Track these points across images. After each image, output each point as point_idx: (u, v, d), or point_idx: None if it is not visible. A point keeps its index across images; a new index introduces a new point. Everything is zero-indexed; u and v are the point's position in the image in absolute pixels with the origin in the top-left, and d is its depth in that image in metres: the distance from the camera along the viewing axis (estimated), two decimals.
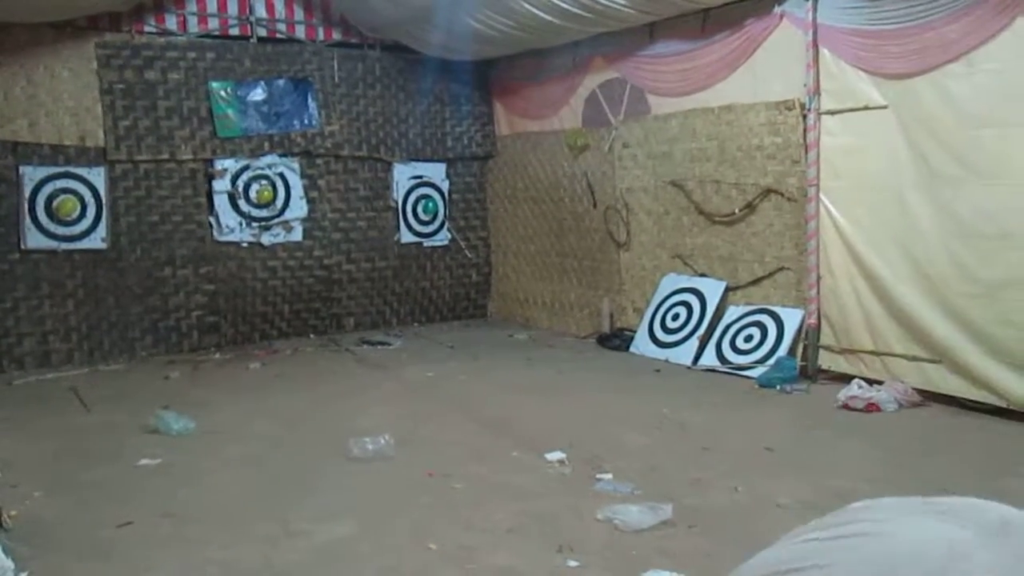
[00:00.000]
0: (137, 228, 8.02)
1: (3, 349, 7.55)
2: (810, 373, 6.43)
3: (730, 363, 6.80)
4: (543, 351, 8.04)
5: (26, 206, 7.54)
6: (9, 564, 3.45)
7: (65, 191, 7.66)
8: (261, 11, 8.51)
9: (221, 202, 8.31)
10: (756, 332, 6.78)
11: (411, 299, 9.47)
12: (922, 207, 5.64)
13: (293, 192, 8.64)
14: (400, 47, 8.95)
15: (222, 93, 8.25)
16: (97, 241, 7.83)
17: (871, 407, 5.57)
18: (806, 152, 6.36)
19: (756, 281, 6.99)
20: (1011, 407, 5.26)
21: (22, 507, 4.23)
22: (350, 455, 4.95)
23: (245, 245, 8.48)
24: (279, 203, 8.58)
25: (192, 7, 8.21)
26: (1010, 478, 4.43)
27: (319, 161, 8.81)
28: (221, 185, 8.30)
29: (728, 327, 7.03)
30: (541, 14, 7.14)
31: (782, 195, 6.65)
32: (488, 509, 4.17)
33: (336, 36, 8.87)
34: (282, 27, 8.64)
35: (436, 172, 9.46)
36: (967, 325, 5.45)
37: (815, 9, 6.12)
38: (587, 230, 8.59)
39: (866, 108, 5.91)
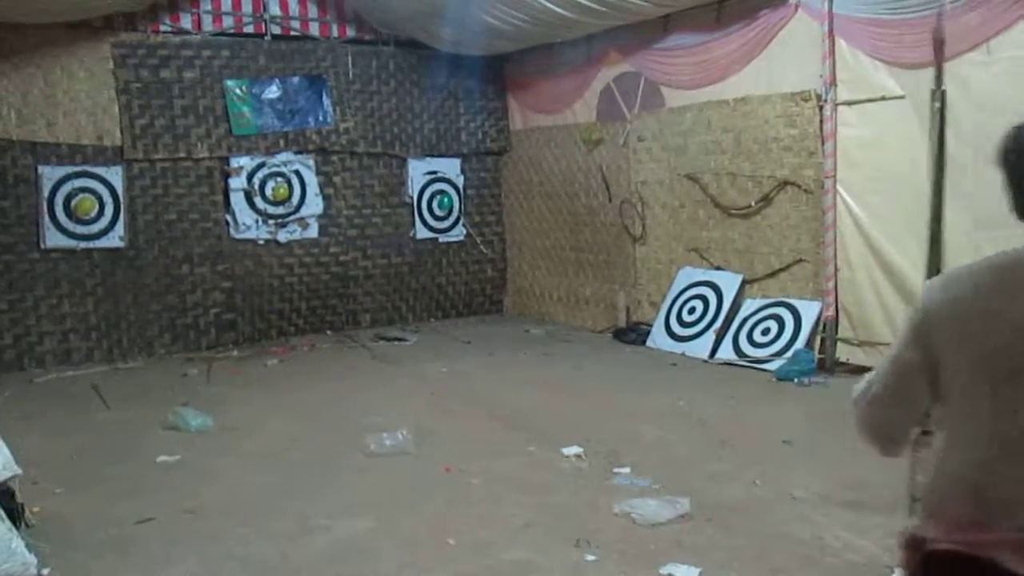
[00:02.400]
0: (154, 226, 8.08)
1: (24, 347, 7.63)
2: (828, 366, 6.39)
3: (747, 356, 6.77)
4: (559, 346, 8.04)
5: (45, 205, 7.60)
6: (32, 560, 3.48)
7: (83, 190, 7.72)
8: (275, 9, 8.53)
9: (237, 200, 8.35)
10: (773, 325, 6.75)
11: (427, 295, 9.49)
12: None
13: (309, 189, 8.66)
14: (413, 43, 8.96)
15: (237, 91, 8.29)
16: (115, 240, 7.88)
17: None
18: (822, 143, 6.32)
19: (773, 274, 6.95)
20: None
21: (44, 504, 4.27)
22: (368, 451, 4.96)
23: (261, 242, 8.52)
24: (295, 200, 8.62)
25: (207, 6, 8.25)
26: None
27: (334, 158, 8.83)
28: (237, 183, 8.35)
29: (745, 320, 7.00)
30: (554, 8, 7.12)
31: (799, 187, 6.60)
32: (505, 504, 4.18)
33: (350, 33, 8.89)
34: (296, 24, 8.66)
35: (451, 167, 9.46)
36: None
37: None
38: (602, 224, 8.57)
39: (883, 98, 5.87)
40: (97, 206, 7.78)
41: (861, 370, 6.07)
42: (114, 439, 5.51)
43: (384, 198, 9.14)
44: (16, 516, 3.74)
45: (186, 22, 8.18)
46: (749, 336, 6.88)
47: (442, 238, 9.46)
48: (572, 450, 4.86)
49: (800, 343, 6.48)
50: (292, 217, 8.61)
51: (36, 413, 6.18)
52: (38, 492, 4.42)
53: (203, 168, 8.25)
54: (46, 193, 7.60)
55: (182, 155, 8.11)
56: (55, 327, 7.74)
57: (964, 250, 5.49)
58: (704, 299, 7.36)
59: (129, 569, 3.67)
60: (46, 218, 7.61)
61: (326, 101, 8.69)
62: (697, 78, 7.29)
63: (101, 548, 3.84)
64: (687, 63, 7.35)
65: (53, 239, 7.65)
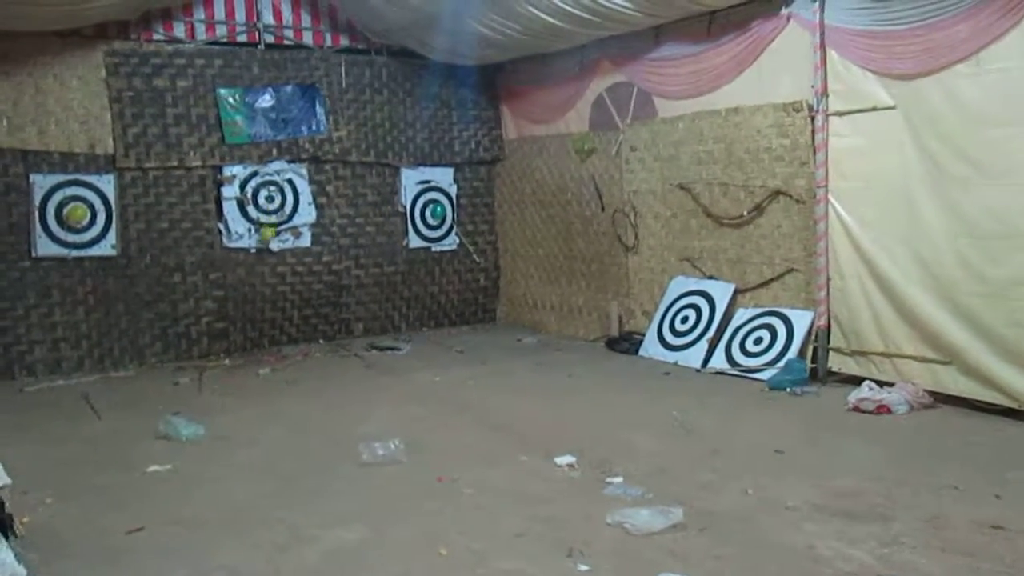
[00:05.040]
0: (147, 235, 8.06)
1: (14, 356, 7.59)
2: (820, 375, 6.41)
3: (740, 366, 6.78)
4: (552, 355, 8.04)
5: (36, 214, 7.57)
6: (21, 571, 3.46)
7: (75, 198, 7.70)
8: (268, 18, 8.54)
9: (230, 208, 8.34)
10: (765, 334, 6.76)
11: (420, 304, 9.48)
12: (931, 207, 5.61)
13: (301, 198, 8.66)
14: (407, 52, 8.98)
15: (230, 100, 8.29)
16: (107, 248, 7.86)
17: (881, 409, 5.54)
18: (814, 153, 6.35)
19: (765, 283, 6.97)
20: (1022, 408, 5.23)
21: (33, 514, 4.25)
22: (360, 460, 4.95)
23: (254, 251, 8.51)
24: (288, 209, 8.61)
25: (200, 14, 8.25)
26: (1020, 471, 4.43)
27: (327, 167, 8.83)
28: (230, 191, 8.34)
29: (737, 329, 7.01)
30: (547, 18, 7.15)
31: (790, 197, 6.63)
32: (498, 514, 4.17)
33: (343, 42, 8.90)
34: (289, 33, 8.67)
35: (444, 177, 9.47)
36: (977, 326, 5.42)
37: (822, 10, 6.11)
38: (595, 233, 8.59)
39: (874, 109, 5.90)
40: (89, 214, 7.76)
41: (853, 380, 6.10)
42: (105, 449, 5.49)
43: (377, 207, 9.14)
44: (5, 526, 3.72)
45: (179, 31, 8.18)
46: (741, 345, 6.89)
47: (435, 247, 9.47)
48: (565, 459, 4.86)
49: (792, 352, 6.49)
50: (285, 226, 8.60)
51: (26, 423, 6.15)
52: (28, 502, 4.40)
53: (196, 177, 8.24)
54: (37, 201, 7.58)
55: (174, 164, 8.10)
56: (46, 336, 7.70)
57: (951, 261, 5.53)
58: (697, 308, 7.37)
59: None
60: (37, 226, 7.58)
61: (319, 110, 8.70)
62: (689, 88, 7.32)
63: (91, 559, 3.82)
64: (679, 73, 7.38)
65: (44, 247, 7.63)
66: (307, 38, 8.76)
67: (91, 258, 7.82)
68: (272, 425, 5.91)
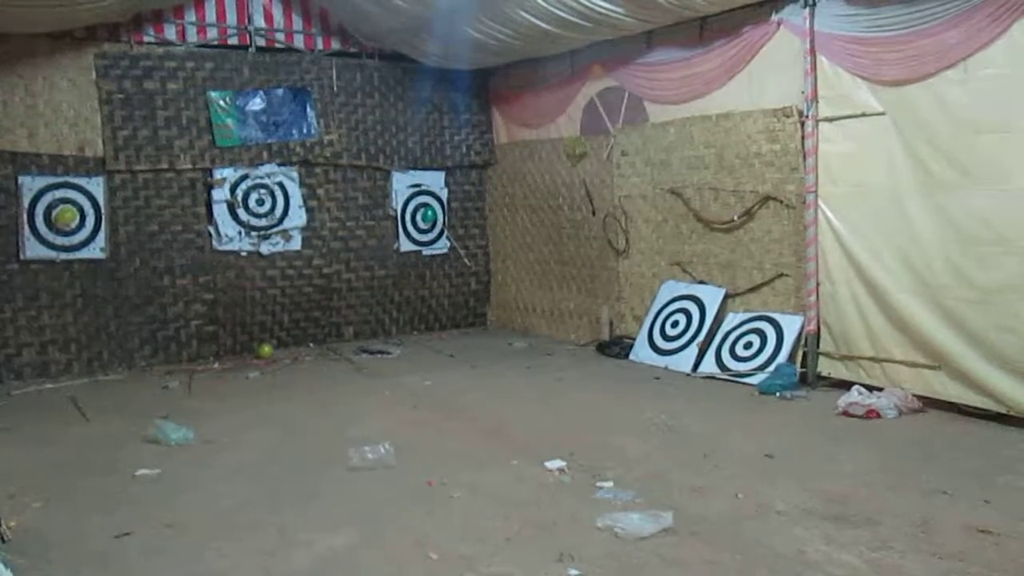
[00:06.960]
0: (136, 238, 8.03)
1: (2, 359, 7.54)
2: (810, 380, 6.42)
3: (730, 370, 6.79)
4: (542, 359, 8.04)
5: (25, 216, 7.54)
6: (8, 575, 3.43)
7: (64, 201, 7.68)
8: (260, 21, 8.53)
9: (220, 211, 8.32)
10: (755, 339, 6.78)
11: (410, 308, 9.47)
12: (920, 213, 5.64)
13: (292, 201, 8.65)
14: (398, 56, 8.98)
15: (221, 103, 8.27)
16: (96, 251, 7.83)
17: (871, 413, 5.56)
18: (804, 159, 6.37)
19: (755, 288, 6.99)
20: (1011, 413, 5.25)
21: (21, 518, 4.22)
22: (350, 464, 4.94)
23: (244, 254, 8.49)
24: (278, 212, 8.59)
25: (191, 17, 8.24)
26: (1008, 475, 4.45)
27: (318, 170, 8.82)
28: (220, 194, 8.32)
29: (728, 334, 7.02)
30: (539, 23, 7.16)
31: (780, 202, 6.65)
32: (488, 518, 4.16)
33: (334, 45, 8.90)
34: (280, 36, 8.66)
35: (435, 180, 9.47)
36: (966, 331, 5.44)
37: (812, 16, 6.14)
38: (586, 238, 8.60)
39: (864, 115, 5.93)
40: (78, 217, 7.73)
41: (843, 384, 6.12)
42: (93, 452, 5.46)
43: (368, 211, 9.13)
44: None
45: (170, 33, 8.16)
46: (732, 350, 6.90)
47: (426, 251, 9.46)
48: (555, 464, 4.85)
49: (782, 357, 6.51)
50: (275, 229, 8.59)
51: (14, 426, 6.11)
52: (15, 506, 4.38)
53: (186, 179, 8.22)
54: (26, 204, 7.55)
55: (165, 166, 8.08)
56: (34, 339, 7.66)
57: (940, 266, 5.55)
58: (687, 313, 7.38)
59: None
60: (26, 229, 7.55)
61: (310, 113, 8.69)
62: (680, 93, 7.34)
63: (79, 563, 3.80)
64: (670, 78, 7.40)
65: (33, 250, 7.59)
66: (298, 41, 8.75)
67: (80, 261, 7.80)
68: (261, 429, 5.89)
